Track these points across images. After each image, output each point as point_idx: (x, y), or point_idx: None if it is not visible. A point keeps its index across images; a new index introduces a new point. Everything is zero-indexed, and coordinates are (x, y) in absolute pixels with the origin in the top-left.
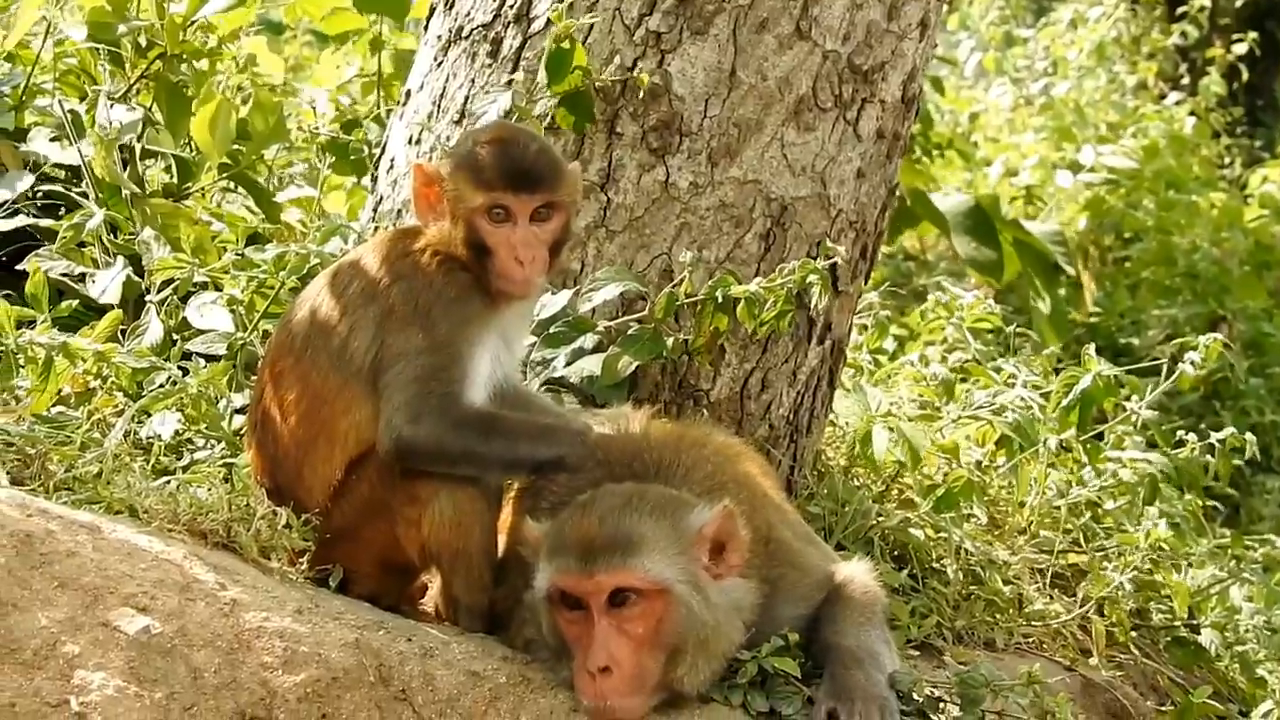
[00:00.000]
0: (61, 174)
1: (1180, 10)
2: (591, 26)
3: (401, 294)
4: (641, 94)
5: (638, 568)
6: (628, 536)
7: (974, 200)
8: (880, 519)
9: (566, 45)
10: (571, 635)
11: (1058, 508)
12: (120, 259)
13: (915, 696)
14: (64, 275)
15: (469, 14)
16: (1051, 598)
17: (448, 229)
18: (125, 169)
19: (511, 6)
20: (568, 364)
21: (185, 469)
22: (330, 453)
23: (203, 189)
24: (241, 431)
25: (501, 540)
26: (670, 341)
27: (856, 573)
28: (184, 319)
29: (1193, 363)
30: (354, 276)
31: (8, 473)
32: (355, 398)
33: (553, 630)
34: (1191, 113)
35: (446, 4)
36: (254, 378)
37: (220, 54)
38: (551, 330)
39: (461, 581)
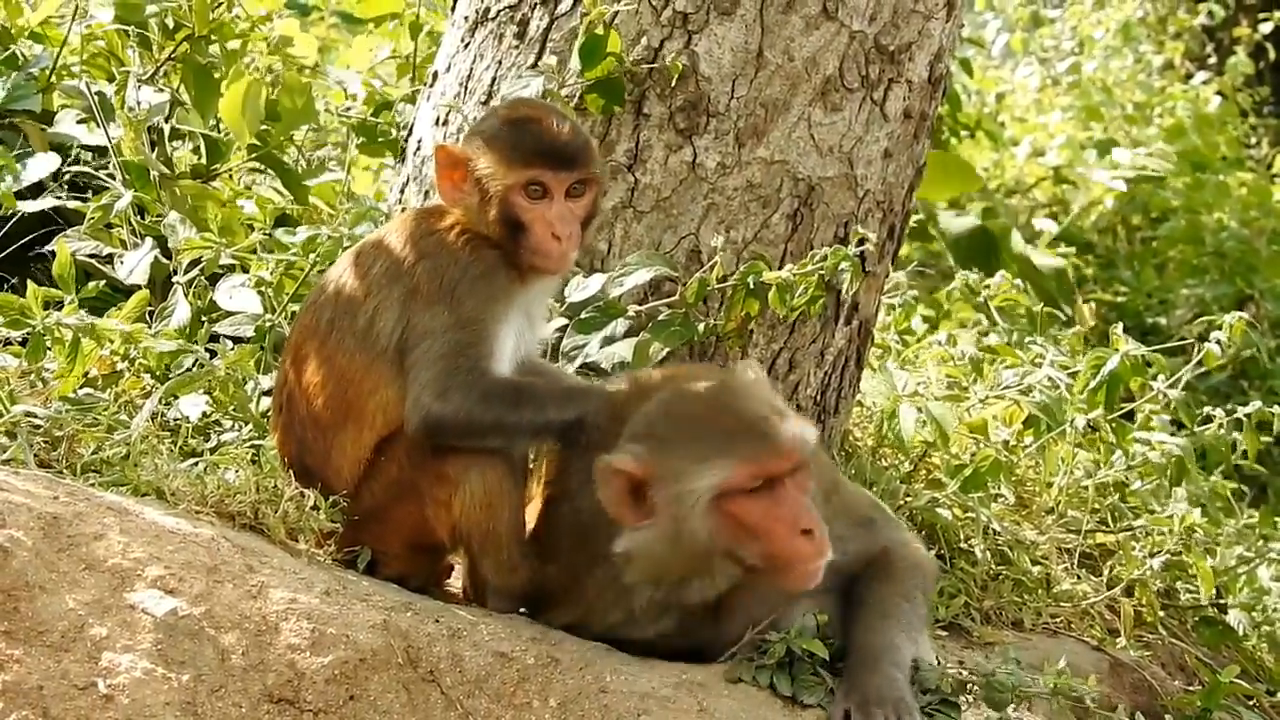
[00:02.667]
0: (89, 156)
1: None
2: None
3: (427, 272)
4: (669, 75)
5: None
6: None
7: (980, 223)
8: (908, 499)
9: (600, 31)
10: (764, 522)
11: (1085, 488)
12: (148, 240)
13: (942, 689)
14: (91, 256)
15: None
16: (1079, 578)
17: (476, 207)
18: (153, 150)
19: None
20: (599, 349)
21: (213, 451)
22: (358, 434)
23: (230, 170)
24: (268, 413)
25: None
26: (700, 326)
27: (905, 541)
28: (212, 301)
29: (1219, 342)
30: (378, 256)
31: (35, 454)
32: (382, 378)
33: (724, 532)
34: (1218, 92)
35: None
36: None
37: (250, 35)
38: (583, 315)
39: (490, 562)
